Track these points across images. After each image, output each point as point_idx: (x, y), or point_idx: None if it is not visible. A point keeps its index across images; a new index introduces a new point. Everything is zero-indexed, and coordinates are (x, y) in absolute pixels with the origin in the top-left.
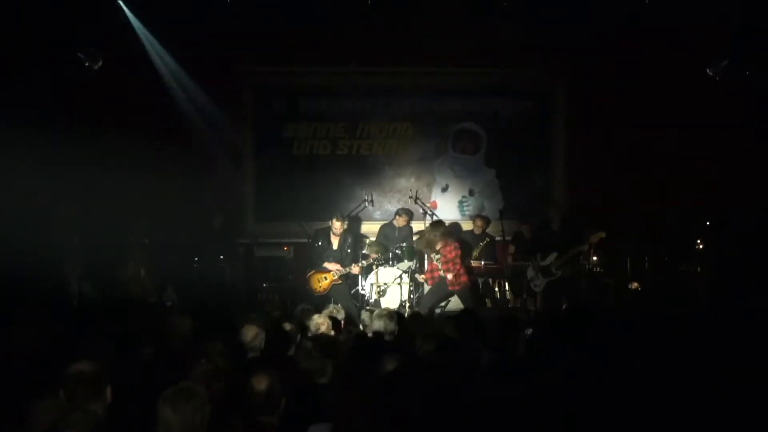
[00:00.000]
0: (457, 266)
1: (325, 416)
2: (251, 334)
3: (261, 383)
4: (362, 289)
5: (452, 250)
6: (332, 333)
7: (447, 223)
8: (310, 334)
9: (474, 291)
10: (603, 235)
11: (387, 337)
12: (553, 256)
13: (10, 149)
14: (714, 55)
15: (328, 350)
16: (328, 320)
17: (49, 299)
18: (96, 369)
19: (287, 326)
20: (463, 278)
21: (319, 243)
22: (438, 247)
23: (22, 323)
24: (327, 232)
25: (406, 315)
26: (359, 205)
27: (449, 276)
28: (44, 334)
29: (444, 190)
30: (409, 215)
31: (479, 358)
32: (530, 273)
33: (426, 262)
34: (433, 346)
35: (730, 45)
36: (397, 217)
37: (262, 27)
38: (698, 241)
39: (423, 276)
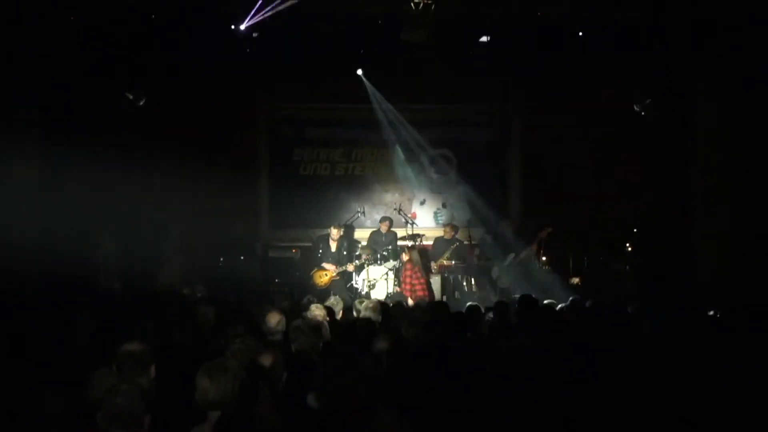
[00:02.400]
0: (410, 284)
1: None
2: (275, 320)
3: (266, 360)
4: (356, 284)
5: (408, 269)
6: (327, 319)
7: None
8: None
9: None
10: (550, 229)
11: (376, 324)
12: (511, 256)
13: (67, 168)
14: (640, 93)
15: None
16: (325, 310)
17: (90, 292)
18: (143, 349)
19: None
20: (419, 293)
21: (321, 246)
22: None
23: (77, 311)
24: (327, 237)
25: (391, 304)
26: (353, 215)
27: (403, 286)
28: (95, 320)
29: (422, 203)
30: (390, 221)
31: (451, 338)
32: (495, 273)
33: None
34: (416, 329)
35: (653, 86)
36: (381, 224)
37: (277, 71)
38: (627, 245)
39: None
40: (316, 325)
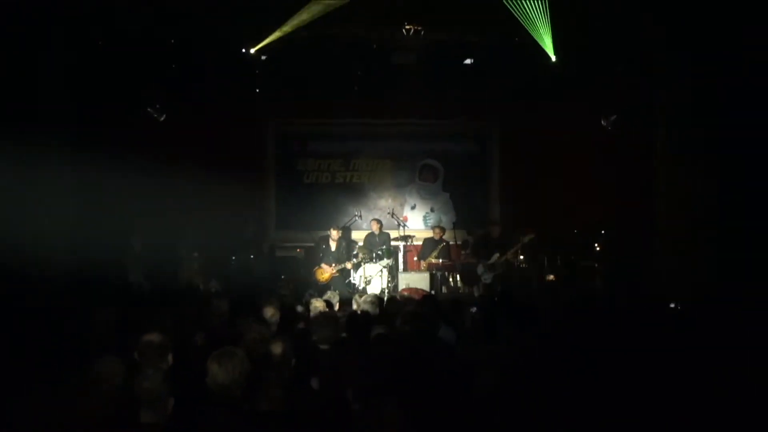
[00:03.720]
0: None
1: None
2: (270, 312)
3: (277, 348)
4: (353, 280)
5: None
6: (327, 310)
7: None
8: (311, 314)
9: None
10: (533, 236)
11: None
12: (495, 256)
13: (97, 176)
14: (607, 109)
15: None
16: (324, 303)
17: (116, 288)
18: (162, 339)
19: (299, 308)
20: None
21: (322, 247)
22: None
23: (103, 305)
24: (327, 239)
25: (385, 299)
26: (351, 219)
27: None
28: (118, 313)
29: (413, 208)
30: (379, 222)
31: (438, 330)
32: (480, 270)
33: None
34: (408, 322)
35: (619, 103)
36: (372, 223)
37: (283, 91)
38: (596, 245)
39: None
40: (332, 316)
